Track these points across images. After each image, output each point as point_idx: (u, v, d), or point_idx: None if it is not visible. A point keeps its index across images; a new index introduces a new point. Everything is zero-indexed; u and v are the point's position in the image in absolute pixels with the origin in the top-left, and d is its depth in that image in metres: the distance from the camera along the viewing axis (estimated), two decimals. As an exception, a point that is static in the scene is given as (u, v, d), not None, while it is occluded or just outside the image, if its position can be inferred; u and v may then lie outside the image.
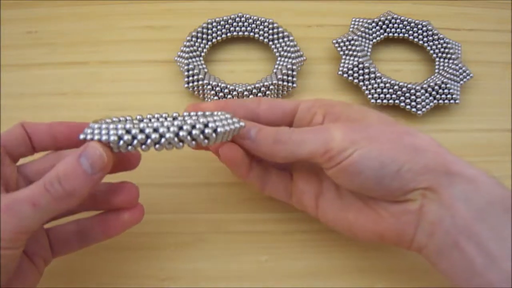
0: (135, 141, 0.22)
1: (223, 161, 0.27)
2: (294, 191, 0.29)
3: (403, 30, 0.39)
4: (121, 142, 0.22)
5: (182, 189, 0.33)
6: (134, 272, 0.30)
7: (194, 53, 0.37)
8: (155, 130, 0.22)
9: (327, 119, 0.27)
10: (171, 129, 0.22)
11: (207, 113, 0.27)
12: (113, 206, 0.26)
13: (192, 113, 0.27)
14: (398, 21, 0.39)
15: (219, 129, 0.23)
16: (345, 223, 0.27)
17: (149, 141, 0.22)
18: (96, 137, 0.22)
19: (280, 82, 0.35)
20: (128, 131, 0.22)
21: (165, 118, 0.26)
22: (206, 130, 0.23)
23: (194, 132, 0.22)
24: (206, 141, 0.23)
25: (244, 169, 0.27)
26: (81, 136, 0.23)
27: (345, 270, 0.30)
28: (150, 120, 0.26)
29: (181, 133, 0.22)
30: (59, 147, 0.26)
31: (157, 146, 0.22)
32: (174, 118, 0.26)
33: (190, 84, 0.35)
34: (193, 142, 0.23)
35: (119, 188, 0.26)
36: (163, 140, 0.22)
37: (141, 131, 0.22)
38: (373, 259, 0.30)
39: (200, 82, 0.35)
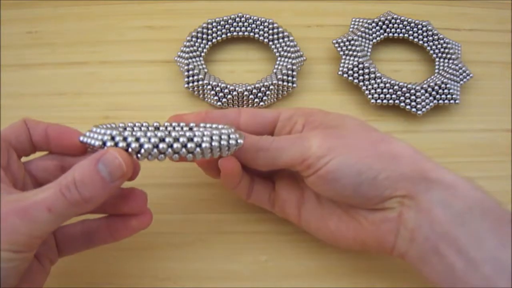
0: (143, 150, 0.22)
1: (222, 172, 0.26)
2: (276, 200, 0.29)
3: (403, 30, 0.39)
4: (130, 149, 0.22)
5: (182, 189, 0.33)
6: (134, 272, 0.30)
7: (194, 53, 0.37)
8: (149, 140, 0.22)
9: (306, 128, 0.28)
10: (171, 143, 0.22)
11: (214, 125, 0.26)
12: (122, 212, 0.25)
13: (195, 127, 0.26)
14: (398, 21, 0.39)
15: (206, 145, 0.22)
16: (327, 231, 0.27)
17: (143, 151, 0.22)
18: (96, 143, 0.22)
19: (280, 82, 0.35)
20: (126, 140, 0.22)
21: (166, 127, 0.26)
22: (189, 145, 0.22)
23: (175, 145, 0.22)
24: (190, 155, 0.22)
25: (238, 179, 0.27)
26: (81, 138, 0.23)
27: (345, 270, 0.30)
28: (147, 128, 0.26)
29: (175, 145, 0.22)
30: (50, 149, 0.26)
31: (149, 156, 0.22)
32: (172, 129, 0.26)
33: (190, 84, 0.35)
34: (176, 156, 0.22)
35: (128, 195, 0.25)
36: (155, 151, 0.22)
37: (137, 139, 0.22)
38: (373, 259, 0.30)
39: (200, 82, 0.35)
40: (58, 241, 0.26)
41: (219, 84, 0.35)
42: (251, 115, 0.28)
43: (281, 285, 0.30)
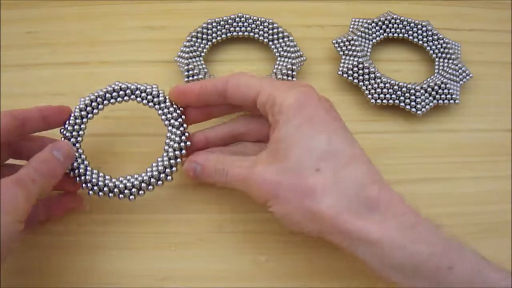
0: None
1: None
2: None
3: (402, 30, 0.39)
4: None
5: (182, 189, 0.33)
6: (134, 272, 0.30)
7: (194, 53, 0.37)
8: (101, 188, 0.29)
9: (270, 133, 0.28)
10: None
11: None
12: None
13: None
14: (397, 21, 0.39)
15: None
16: None
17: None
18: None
19: (280, 82, 0.35)
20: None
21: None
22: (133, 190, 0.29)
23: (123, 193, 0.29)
24: (133, 197, 0.29)
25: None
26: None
27: (344, 270, 0.30)
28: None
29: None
30: (51, 127, 0.30)
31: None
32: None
33: (190, 84, 0.35)
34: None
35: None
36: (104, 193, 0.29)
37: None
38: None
39: (200, 82, 0.35)
40: None
41: (219, 84, 0.35)
42: (235, 86, 0.28)
43: (281, 285, 0.30)
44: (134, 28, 0.40)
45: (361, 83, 0.36)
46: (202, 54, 0.37)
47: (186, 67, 0.36)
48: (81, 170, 0.29)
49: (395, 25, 0.39)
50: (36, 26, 0.40)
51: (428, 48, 0.39)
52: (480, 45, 0.41)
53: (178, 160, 0.29)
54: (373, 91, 0.36)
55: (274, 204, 0.26)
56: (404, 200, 0.26)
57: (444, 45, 0.38)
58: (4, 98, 0.36)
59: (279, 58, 0.37)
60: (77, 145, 0.30)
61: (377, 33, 0.39)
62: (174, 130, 0.30)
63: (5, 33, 0.39)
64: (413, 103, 0.35)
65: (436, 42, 0.38)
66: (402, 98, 0.35)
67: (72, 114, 0.30)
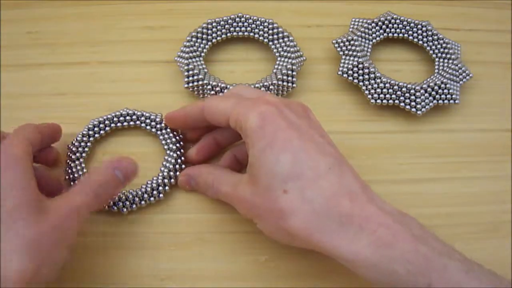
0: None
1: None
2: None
3: (402, 31, 0.39)
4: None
5: (181, 189, 0.33)
6: (134, 272, 0.30)
7: (194, 53, 0.37)
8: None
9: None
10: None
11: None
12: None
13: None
14: (397, 21, 0.39)
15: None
16: None
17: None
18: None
19: (280, 82, 0.35)
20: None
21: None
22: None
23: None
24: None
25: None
26: None
27: (344, 270, 0.30)
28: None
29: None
30: (43, 145, 0.30)
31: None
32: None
33: (190, 84, 0.35)
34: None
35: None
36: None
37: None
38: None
39: (200, 82, 0.35)
40: None
41: (219, 84, 0.35)
42: (209, 114, 0.29)
43: (281, 285, 0.30)
44: (134, 28, 0.40)
45: (361, 83, 0.36)
46: (202, 54, 0.37)
47: (186, 67, 0.36)
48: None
49: (395, 25, 0.39)
50: (36, 26, 0.40)
51: (428, 48, 0.39)
52: (480, 45, 0.40)
53: (172, 180, 0.32)
54: (373, 91, 0.36)
55: (257, 222, 0.27)
56: (384, 207, 0.25)
57: (444, 45, 0.38)
58: (4, 98, 0.36)
59: (279, 58, 0.37)
60: (81, 160, 0.32)
61: (377, 33, 0.39)
62: (171, 153, 0.32)
63: (5, 33, 0.39)
64: (413, 103, 0.35)
65: (436, 42, 0.38)
66: (402, 98, 0.35)
67: (81, 132, 0.33)
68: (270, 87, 0.35)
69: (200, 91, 0.36)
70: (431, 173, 0.34)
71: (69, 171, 0.32)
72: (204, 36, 0.37)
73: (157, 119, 0.34)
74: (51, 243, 0.24)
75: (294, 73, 0.36)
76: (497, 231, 0.32)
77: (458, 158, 0.35)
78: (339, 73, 0.36)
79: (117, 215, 0.31)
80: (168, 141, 0.33)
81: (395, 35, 0.39)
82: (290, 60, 0.36)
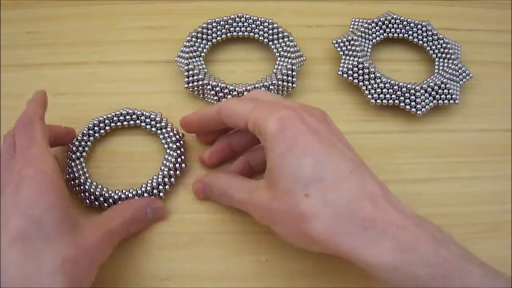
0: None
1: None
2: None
3: (402, 31, 0.39)
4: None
5: (182, 189, 0.33)
6: (134, 272, 0.30)
7: (194, 53, 0.37)
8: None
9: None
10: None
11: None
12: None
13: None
14: (397, 21, 0.39)
15: None
16: None
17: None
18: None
19: (280, 82, 0.35)
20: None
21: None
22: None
23: None
24: None
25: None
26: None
27: (344, 270, 0.30)
28: None
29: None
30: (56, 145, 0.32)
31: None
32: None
33: (190, 84, 0.35)
34: None
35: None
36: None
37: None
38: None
39: (200, 82, 0.35)
40: None
41: (219, 84, 0.35)
42: (226, 116, 0.29)
43: (281, 285, 0.30)
44: (134, 28, 0.40)
45: (361, 83, 0.36)
46: (202, 54, 0.37)
47: (186, 67, 0.36)
48: (81, 180, 0.31)
49: (395, 25, 0.39)
50: (36, 26, 0.40)
51: (428, 48, 0.39)
52: (480, 45, 0.41)
53: (172, 179, 0.32)
54: (373, 91, 0.36)
55: (275, 227, 0.27)
56: (404, 210, 0.25)
57: (444, 45, 0.38)
58: (4, 98, 0.36)
59: (279, 58, 0.37)
60: (81, 159, 0.32)
61: (377, 33, 0.39)
62: (171, 152, 0.32)
63: (5, 33, 0.39)
64: (413, 103, 0.35)
65: (436, 42, 0.38)
66: (402, 98, 0.35)
67: (81, 132, 0.33)
68: (270, 87, 0.35)
69: (200, 91, 0.36)
70: (431, 173, 0.34)
71: (69, 170, 0.32)
72: (204, 36, 0.37)
73: (157, 118, 0.34)
74: (87, 264, 0.25)
75: (294, 73, 0.36)
76: (497, 231, 0.32)
77: (458, 158, 0.35)
78: (339, 73, 0.36)
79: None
80: (168, 140, 0.33)
81: (395, 35, 0.39)
82: (290, 60, 0.36)
